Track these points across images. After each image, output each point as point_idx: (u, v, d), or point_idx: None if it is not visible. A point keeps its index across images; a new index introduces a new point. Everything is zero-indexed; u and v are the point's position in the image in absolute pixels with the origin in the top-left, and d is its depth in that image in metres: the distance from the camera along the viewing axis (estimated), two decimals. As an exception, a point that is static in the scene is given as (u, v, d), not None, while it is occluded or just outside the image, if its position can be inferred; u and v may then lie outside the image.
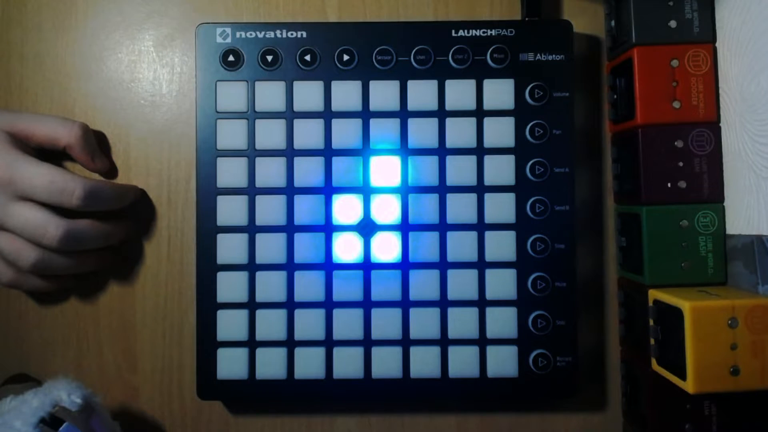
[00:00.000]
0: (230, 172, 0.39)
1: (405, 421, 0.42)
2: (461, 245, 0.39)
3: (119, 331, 0.42)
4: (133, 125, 0.43)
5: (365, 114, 0.39)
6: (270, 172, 0.39)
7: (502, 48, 0.39)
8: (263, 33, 0.40)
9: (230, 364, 0.39)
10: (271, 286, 0.39)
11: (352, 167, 0.39)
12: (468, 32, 0.40)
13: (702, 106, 0.37)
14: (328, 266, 0.39)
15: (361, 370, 0.39)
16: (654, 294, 0.36)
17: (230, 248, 0.39)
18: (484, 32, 0.40)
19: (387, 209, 0.39)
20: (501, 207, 0.39)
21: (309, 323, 0.39)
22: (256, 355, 0.39)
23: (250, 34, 0.40)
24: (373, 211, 0.39)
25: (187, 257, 0.42)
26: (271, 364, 0.39)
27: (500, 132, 0.39)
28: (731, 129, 0.37)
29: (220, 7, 0.43)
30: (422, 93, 0.39)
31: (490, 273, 0.39)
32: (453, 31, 0.40)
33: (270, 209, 0.39)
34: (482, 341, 0.39)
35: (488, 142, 0.39)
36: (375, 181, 0.39)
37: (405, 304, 0.39)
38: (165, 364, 0.42)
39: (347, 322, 0.39)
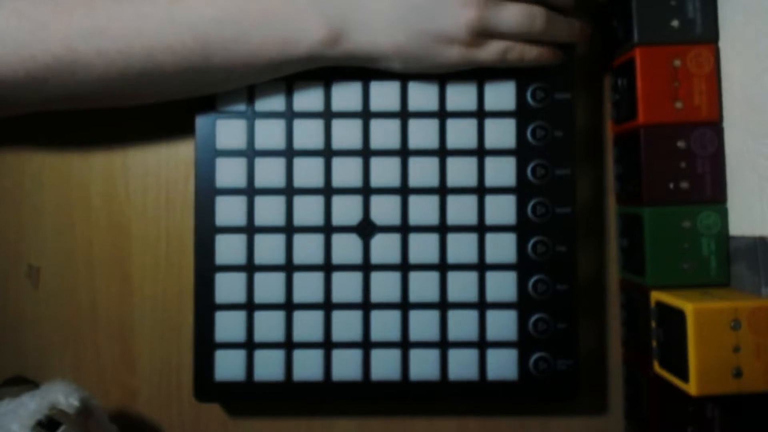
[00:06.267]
0: (229, 173, 0.39)
1: (404, 424, 0.42)
2: (461, 247, 0.39)
3: (117, 332, 0.42)
4: (132, 124, 0.42)
5: (365, 114, 0.39)
6: (269, 172, 0.39)
7: (503, 48, 0.39)
8: (262, 33, 0.39)
9: (228, 366, 0.38)
10: (269, 287, 0.39)
11: (352, 168, 0.39)
12: (468, 32, 0.39)
13: (704, 106, 0.37)
14: (327, 267, 0.39)
15: (360, 373, 0.39)
16: (656, 296, 0.36)
17: (229, 249, 0.39)
18: (484, 32, 0.39)
19: (387, 210, 0.39)
20: (502, 209, 0.39)
21: (308, 325, 0.39)
22: (255, 357, 0.39)
23: (250, 34, 0.40)
24: (372, 212, 0.39)
25: (186, 258, 0.42)
26: (269, 366, 0.38)
27: (501, 133, 0.39)
28: (734, 129, 0.36)
29: (220, 7, 0.43)
30: (423, 94, 0.39)
31: (490, 275, 0.39)
32: (453, 31, 0.39)
33: (269, 210, 0.39)
34: (482, 344, 0.39)
35: (489, 144, 0.39)
36: (375, 181, 0.39)
37: (404, 305, 0.39)
38: (163, 365, 0.42)
39: (346, 324, 0.39)
